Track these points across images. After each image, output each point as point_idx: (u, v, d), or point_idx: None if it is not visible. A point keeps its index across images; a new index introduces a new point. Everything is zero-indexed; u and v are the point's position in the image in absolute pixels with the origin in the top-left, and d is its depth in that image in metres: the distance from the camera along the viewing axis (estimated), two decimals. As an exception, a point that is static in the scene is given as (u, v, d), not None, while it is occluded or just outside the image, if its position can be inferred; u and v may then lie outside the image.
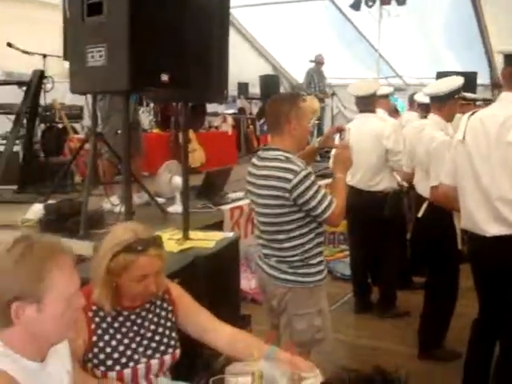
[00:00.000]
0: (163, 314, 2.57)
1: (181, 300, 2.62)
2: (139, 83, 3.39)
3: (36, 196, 5.83)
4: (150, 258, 2.35)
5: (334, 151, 5.45)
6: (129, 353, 2.42)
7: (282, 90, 12.57)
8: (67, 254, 1.81)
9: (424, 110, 6.53)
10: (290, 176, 3.07)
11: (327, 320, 3.39)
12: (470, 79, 6.98)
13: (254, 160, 3.39)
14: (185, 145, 4.25)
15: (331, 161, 5.58)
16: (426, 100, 5.19)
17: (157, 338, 2.52)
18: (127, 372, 2.40)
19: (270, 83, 12.06)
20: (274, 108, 3.28)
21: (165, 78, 3.42)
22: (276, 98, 3.47)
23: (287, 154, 3.17)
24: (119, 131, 4.44)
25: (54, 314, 1.73)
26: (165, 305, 2.58)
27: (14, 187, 6.56)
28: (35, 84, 6.72)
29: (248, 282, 5.74)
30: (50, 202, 5.02)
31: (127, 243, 2.33)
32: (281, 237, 3.24)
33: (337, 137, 3.68)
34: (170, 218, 5.09)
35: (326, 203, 3.14)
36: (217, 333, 2.55)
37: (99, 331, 2.40)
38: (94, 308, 2.41)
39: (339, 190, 3.30)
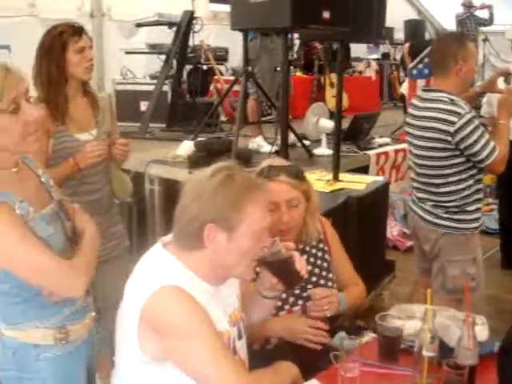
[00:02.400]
0: (319, 254, 2.50)
1: (333, 241, 2.57)
2: (301, 20, 3.35)
3: (183, 134, 6.02)
4: (279, 183, 2.30)
5: (485, 99, 5.27)
6: (283, 295, 2.29)
7: (427, 35, 12.06)
8: (264, 192, 1.83)
9: None
10: (454, 118, 2.96)
11: (480, 269, 3.28)
12: None
13: (415, 101, 3.29)
14: (339, 86, 4.20)
15: (483, 109, 5.40)
16: None
17: (313, 279, 2.44)
18: (282, 314, 2.35)
19: (415, 28, 11.63)
20: (441, 47, 3.15)
21: (326, 15, 3.38)
22: (444, 37, 3.35)
23: (451, 96, 3.05)
24: (278, 68, 4.44)
25: (241, 247, 1.75)
26: (321, 245, 2.52)
27: (163, 125, 6.80)
28: (185, 25, 6.87)
29: (390, 229, 5.68)
30: (199, 139, 5.17)
31: (260, 169, 2.36)
32: (438, 181, 3.15)
33: (500, 81, 3.50)
34: (316, 160, 5.11)
35: (489, 149, 3.01)
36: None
37: None
38: None
39: (502, 137, 3.13)
